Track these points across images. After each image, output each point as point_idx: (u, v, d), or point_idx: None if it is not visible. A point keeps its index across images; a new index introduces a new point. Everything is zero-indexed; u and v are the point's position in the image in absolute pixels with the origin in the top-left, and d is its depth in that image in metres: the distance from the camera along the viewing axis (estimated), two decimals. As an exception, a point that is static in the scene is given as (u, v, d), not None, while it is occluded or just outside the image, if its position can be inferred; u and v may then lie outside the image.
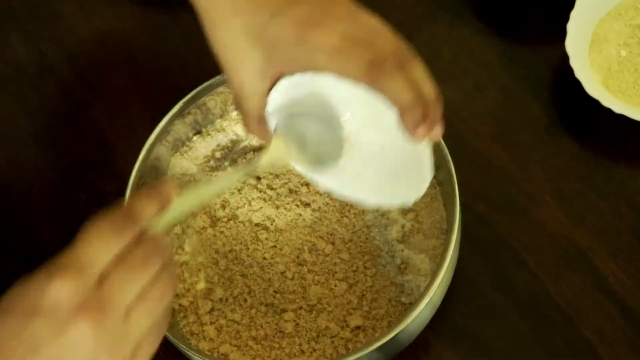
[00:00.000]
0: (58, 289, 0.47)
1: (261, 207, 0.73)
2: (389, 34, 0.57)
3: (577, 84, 0.77)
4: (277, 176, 0.74)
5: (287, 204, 0.73)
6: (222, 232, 0.73)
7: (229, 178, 0.63)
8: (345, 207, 0.73)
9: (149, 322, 0.50)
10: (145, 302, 0.50)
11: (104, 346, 0.48)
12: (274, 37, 0.57)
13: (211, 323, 0.70)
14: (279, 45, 0.57)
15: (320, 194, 0.74)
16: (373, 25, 0.57)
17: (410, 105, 0.55)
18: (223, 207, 0.74)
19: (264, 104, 0.60)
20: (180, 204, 0.55)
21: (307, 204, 0.73)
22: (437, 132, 0.57)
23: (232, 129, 0.78)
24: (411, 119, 0.55)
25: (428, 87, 0.57)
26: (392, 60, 0.55)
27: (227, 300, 0.71)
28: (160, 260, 0.51)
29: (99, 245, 0.49)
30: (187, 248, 0.73)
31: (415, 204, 0.73)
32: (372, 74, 0.55)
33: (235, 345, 0.69)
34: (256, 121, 0.61)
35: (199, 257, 0.73)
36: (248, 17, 0.58)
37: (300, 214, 0.73)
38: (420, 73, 0.57)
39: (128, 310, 0.49)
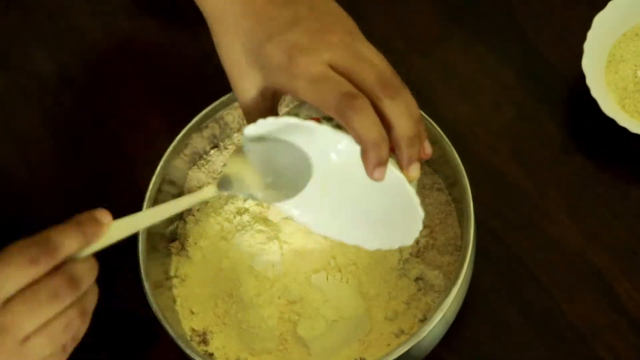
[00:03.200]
0: None
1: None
2: (378, 62, 0.57)
3: (593, 103, 0.77)
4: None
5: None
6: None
7: (173, 205, 0.61)
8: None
9: (47, 350, 0.50)
10: (47, 331, 0.50)
11: None
12: (267, 60, 0.58)
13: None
14: (271, 68, 0.58)
15: None
16: (362, 54, 0.57)
17: (372, 144, 0.54)
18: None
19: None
20: (116, 232, 0.55)
21: None
22: (414, 171, 0.56)
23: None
24: (371, 158, 0.54)
25: (406, 121, 0.55)
26: (368, 93, 0.55)
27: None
28: (71, 293, 0.50)
29: (8, 273, 0.49)
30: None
31: (430, 219, 0.74)
32: (342, 107, 0.54)
33: (250, 354, 0.70)
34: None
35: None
36: (247, 37, 0.59)
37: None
38: (401, 106, 0.55)
39: (26, 337, 0.49)
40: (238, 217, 0.74)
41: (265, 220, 0.73)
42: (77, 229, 0.52)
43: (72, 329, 0.52)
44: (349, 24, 0.59)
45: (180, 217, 0.76)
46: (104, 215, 0.54)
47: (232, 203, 0.75)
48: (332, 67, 0.56)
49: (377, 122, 0.54)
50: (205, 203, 0.76)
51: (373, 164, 0.54)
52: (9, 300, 0.49)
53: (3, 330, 0.49)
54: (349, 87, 0.55)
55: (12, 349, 0.49)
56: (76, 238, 0.52)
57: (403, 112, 0.55)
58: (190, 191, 0.77)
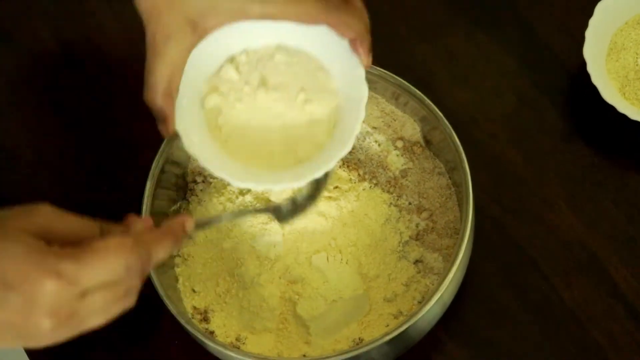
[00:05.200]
0: (45, 291, 0.48)
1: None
2: None
3: (594, 91, 0.77)
4: None
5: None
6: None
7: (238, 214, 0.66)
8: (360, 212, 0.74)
9: (99, 310, 0.51)
10: (105, 296, 0.50)
11: (51, 307, 0.49)
12: None
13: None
14: None
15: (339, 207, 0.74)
16: None
17: (364, 33, 0.61)
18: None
19: (182, 63, 0.59)
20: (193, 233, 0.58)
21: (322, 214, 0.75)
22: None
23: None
24: (367, 45, 0.61)
25: (367, 17, 0.62)
26: None
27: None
28: (139, 280, 0.52)
29: (99, 272, 0.50)
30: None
31: (430, 203, 0.74)
32: (328, 9, 0.59)
33: (250, 333, 0.71)
34: (165, 85, 0.59)
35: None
36: None
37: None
38: (359, 3, 0.61)
39: (85, 293, 0.49)
40: (240, 198, 0.75)
41: (267, 201, 0.74)
42: (171, 241, 0.55)
43: (121, 303, 0.52)
44: None
45: (184, 197, 0.77)
46: (190, 225, 0.57)
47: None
48: None
49: (358, 15, 0.61)
50: (209, 184, 0.77)
51: (369, 50, 0.61)
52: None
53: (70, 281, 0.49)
54: None
55: (71, 300, 0.49)
56: (168, 249, 0.54)
57: (362, 7, 0.62)
58: (194, 172, 0.77)
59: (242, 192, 0.75)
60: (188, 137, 0.62)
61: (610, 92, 0.77)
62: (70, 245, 0.50)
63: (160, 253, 0.54)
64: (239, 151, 0.62)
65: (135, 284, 0.52)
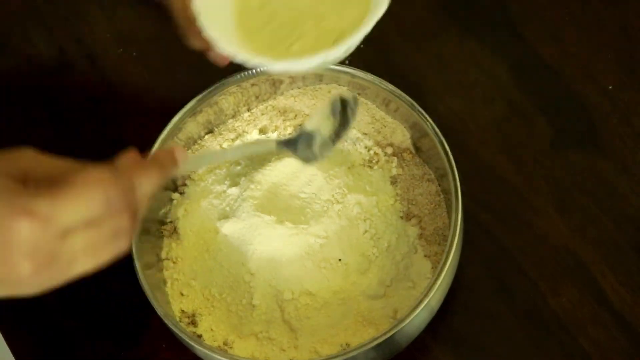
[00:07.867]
0: (20, 231, 0.44)
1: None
2: None
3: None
4: None
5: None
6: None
7: (239, 149, 0.62)
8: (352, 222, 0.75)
9: (84, 252, 0.47)
10: (89, 236, 0.47)
11: (29, 249, 0.45)
12: None
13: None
14: None
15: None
16: None
17: None
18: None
19: None
20: (185, 166, 0.54)
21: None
22: None
23: (244, 129, 0.79)
24: None
25: None
26: None
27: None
28: (125, 216, 0.48)
29: (78, 207, 0.46)
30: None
31: (419, 209, 0.75)
32: None
33: (238, 337, 0.71)
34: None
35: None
36: None
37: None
38: None
39: (66, 233, 0.46)
40: (230, 201, 0.75)
41: (257, 205, 0.74)
42: (158, 171, 0.51)
43: (112, 244, 0.48)
44: None
45: (172, 200, 0.77)
46: (181, 154, 0.54)
47: (225, 183, 0.76)
48: None
49: None
50: (199, 184, 0.77)
51: None
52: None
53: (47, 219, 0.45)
54: None
55: (51, 241, 0.46)
56: (154, 180, 0.50)
57: None
58: (184, 177, 0.78)
59: (233, 196, 0.75)
60: (206, 18, 0.60)
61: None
62: (47, 184, 0.46)
63: (146, 185, 0.49)
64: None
65: (124, 224, 0.47)
